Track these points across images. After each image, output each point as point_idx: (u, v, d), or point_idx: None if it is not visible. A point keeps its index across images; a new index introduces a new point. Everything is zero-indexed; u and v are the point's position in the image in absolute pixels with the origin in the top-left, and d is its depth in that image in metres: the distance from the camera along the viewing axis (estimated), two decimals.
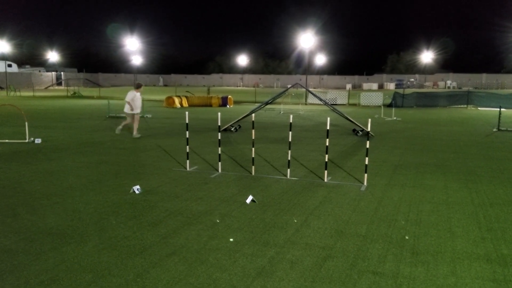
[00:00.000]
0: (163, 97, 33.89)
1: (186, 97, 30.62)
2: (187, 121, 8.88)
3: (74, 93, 45.11)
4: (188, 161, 8.87)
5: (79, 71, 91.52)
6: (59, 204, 6.40)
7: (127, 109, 13.65)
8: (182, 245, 4.89)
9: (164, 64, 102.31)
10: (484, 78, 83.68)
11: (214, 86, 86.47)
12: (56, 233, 5.23)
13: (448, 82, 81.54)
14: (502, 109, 17.35)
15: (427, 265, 4.42)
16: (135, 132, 13.68)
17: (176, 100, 28.69)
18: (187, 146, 8.90)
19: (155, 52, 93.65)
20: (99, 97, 39.73)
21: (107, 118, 20.14)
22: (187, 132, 8.97)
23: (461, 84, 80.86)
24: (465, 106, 30.76)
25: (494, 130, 16.28)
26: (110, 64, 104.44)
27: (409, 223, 5.66)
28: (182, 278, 4.10)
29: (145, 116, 20.66)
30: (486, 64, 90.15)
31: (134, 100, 13.51)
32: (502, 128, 16.36)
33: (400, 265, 4.40)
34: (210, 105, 29.76)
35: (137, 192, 7.02)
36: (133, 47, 46.74)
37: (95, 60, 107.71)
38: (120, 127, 14.19)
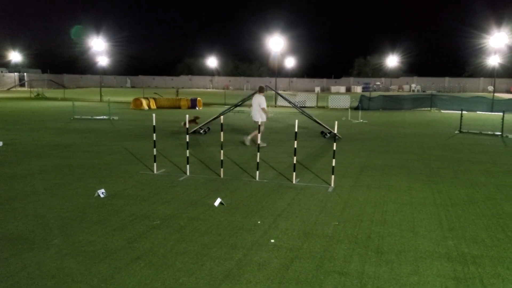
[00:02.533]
0: (130, 98, 33.33)
1: (154, 98, 30.23)
2: (154, 123, 8.77)
3: (38, 94, 43.73)
4: (155, 164, 8.76)
5: (43, 72, 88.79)
6: (20, 208, 6.19)
7: (258, 117, 12.12)
8: (148, 249, 4.81)
9: (131, 65, 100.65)
10: (447, 81, 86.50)
11: (183, 88, 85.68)
12: (17, 238, 5.05)
13: (413, 85, 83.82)
14: (463, 112, 17.99)
15: (391, 264, 4.52)
16: (249, 137, 12.65)
17: (144, 102, 28.28)
18: (154, 149, 8.79)
19: (122, 53, 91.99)
20: (64, 99, 38.67)
21: (71, 120, 19.63)
22: (154, 134, 8.86)
23: (425, 87, 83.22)
24: (429, 109, 31.70)
25: (456, 132, 16.86)
26: (76, 65, 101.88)
27: (374, 223, 5.78)
28: (148, 282, 4.04)
29: (111, 118, 20.27)
30: (449, 68, 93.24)
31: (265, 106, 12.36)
32: (464, 130, 16.96)
33: (365, 265, 4.48)
34: (179, 107, 29.49)
35: (102, 196, 6.87)
36: (99, 47, 45.76)
37: (60, 61, 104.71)
38: (249, 137, 12.70)
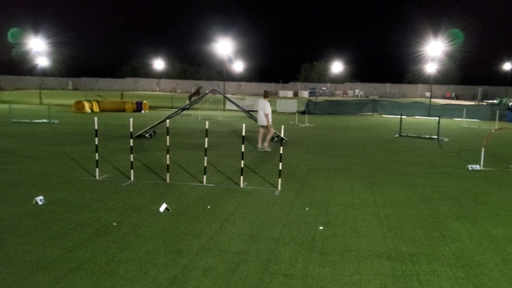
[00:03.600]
0: (72, 101, 31.99)
1: (97, 101, 29.20)
2: (96, 127, 8.47)
3: None
4: (97, 169, 8.45)
5: None
6: None
7: (264, 121, 12.40)
8: (89, 258, 4.63)
9: (73, 67, 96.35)
10: (388, 87, 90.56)
11: (128, 90, 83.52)
12: None
13: (356, 91, 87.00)
14: (403, 117, 18.89)
15: (334, 264, 4.65)
16: (266, 144, 12.57)
17: (86, 105, 27.26)
18: (96, 154, 8.48)
19: (64, 54, 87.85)
20: (0, 101, 36.44)
21: (8, 124, 18.54)
22: (96, 138, 8.55)
23: (367, 93, 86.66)
24: (371, 113, 32.97)
25: (396, 136, 17.65)
26: (13, 66, 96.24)
27: (319, 225, 5.91)
28: None
29: (51, 121, 19.36)
30: (390, 75, 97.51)
31: (270, 111, 12.46)
32: (403, 134, 17.79)
33: (309, 266, 4.57)
34: (124, 110, 28.70)
35: (40, 203, 6.53)
36: (39, 48, 43.54)
37: None
38: (266, 143, 12.59)
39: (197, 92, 16.37)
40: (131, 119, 8.44)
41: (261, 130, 12.75)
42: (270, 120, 12.47)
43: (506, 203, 7.36)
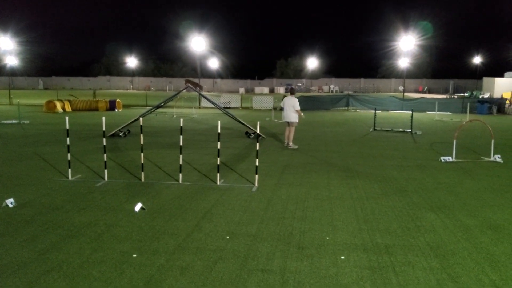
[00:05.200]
0: (43, 101, 31.15)
1: (69, 101, 28.51)
2: (67, 126, 8.25)
3: None
4: (70, 169, 8.25)
5: None
6: None
7: (293, 117, 12.55)
8: (62, 260, 4.51)
9: (44, 66, 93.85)
10: (362, 82, 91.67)
11: (101, 89, 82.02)
12: None
13: (331, 86, 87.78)
14: (377, 111, 19.15)
15: (311, 258, 4.66)
16: (291, 143, 12.68)
17: (58, 104, 26.59)
18: (68, 154, 8.28)
19: (33, 53, 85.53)
20: None
21: None
22: (68, 138, 8.34)
23: (342, 88, 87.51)
24: (346, 108, 33.30)
25: (371, 130, 17.88)
26: None
27: (296, 220, 5.93)
28: None
29: (21, 122, 18.82)
30: (364, 70, 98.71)
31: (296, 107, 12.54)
32: (377, 128, 18.04)
33: (287, 261, 4.58)
34: (97, 109, 28.14)
35: (10, 205, 6.34)
36: (7, 47, 42.22)
37: None
38: (291, 143, 12.69)
39: (194, 85, 16.17)
40: (103, 118, 8.26)
41: (288, 128, 12.83)
42: (297, 118, 12.63)
43: (478, 193, 7.54)
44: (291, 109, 12.62)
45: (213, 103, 17.42)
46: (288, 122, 12.81)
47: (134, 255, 4.37)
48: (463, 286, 4.09)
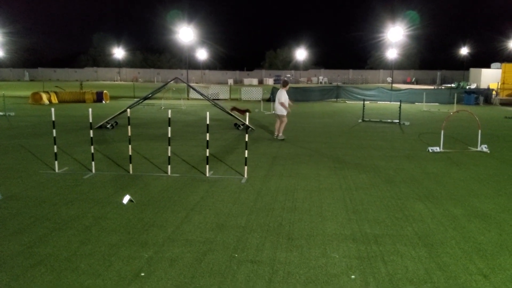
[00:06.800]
0: (28, 93, 30.66)
1: (56, 92, 28.11)
2: (53, 118, 8.12)
3: None
4: (56, 162, 8.14)
5: None
6: None
7: (281, 110, 12.54)
8: (49, 253, 4.45)
9: (30, 57, 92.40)
10: (351, 74, 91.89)
11: (88, 80, 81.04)
12: None
13: (320, 77, 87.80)
14: (366, 102, 19.22)
15: (301, 249, 4.67)
16: (281, 134, 12.65)
17: (44, 96, 26.22)
18: (55, 146, 8.16)
19: (19, 44, 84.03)
20: None
21: None
22: (54, 130, 8.21)
23: (331, 79, 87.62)
24: (335, 99, 33.38)
25: (359, 121, 17.95)
26: None
27: (285, 211, 5.93)
28: None
29: (7, 114, 18.51)
30: (352, 61, 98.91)
31: (287, 100, 12.56)
32: (366, 119, 18.12)
33: (276, 252, 4.57)
34: (84, 101, 27.79)
35: None
36: None
37: None
38: (281, 134, 12.60)
39: (242, 112, 16.27)
40: (90, 110, 8.15)
41: (279, 120, 12.76)
42: (284, 111, 12.54)
43: (465, 183, 7.62)
44: (277, 101, 12.61)
45: (202, 94, 17.31)
46: (277, 114, 12.78)
47: (142, 274, 4.09)
48: (451, 275, 4.13)
